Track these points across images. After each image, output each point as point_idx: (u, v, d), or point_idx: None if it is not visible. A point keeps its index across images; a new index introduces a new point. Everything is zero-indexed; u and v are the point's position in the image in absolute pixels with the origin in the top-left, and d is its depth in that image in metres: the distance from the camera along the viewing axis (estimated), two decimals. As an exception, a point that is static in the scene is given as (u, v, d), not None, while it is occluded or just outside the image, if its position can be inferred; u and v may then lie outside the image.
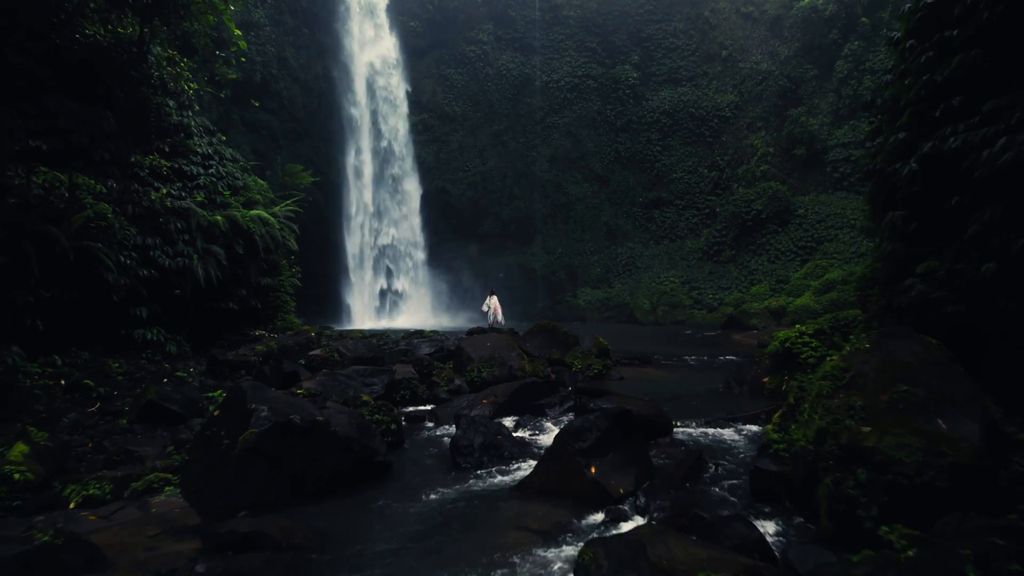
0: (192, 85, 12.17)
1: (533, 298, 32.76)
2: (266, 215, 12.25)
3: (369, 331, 19.14)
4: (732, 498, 4.52)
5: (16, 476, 4.34)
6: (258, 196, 13.08)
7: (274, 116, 28.23)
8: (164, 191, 10.61)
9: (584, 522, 4.21)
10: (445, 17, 34.57)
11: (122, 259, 9.12)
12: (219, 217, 11.18)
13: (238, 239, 11.55)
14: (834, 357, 4.53)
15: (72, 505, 4.33)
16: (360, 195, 31.08)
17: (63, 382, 7.32)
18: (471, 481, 5.22)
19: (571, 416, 7.74)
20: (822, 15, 29.59)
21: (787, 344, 8.51)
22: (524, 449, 6.06)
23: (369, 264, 30.69)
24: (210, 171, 12.21)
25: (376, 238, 31.22)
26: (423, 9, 34.31)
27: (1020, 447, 3.50)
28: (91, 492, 4.40)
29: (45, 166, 8.46)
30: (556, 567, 3.47)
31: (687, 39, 34.81)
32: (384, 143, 32.09)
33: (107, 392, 7.34)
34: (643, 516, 4.29)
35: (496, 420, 7.49)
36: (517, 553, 3.66)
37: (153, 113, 11.00)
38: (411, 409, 8.27)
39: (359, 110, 31.36)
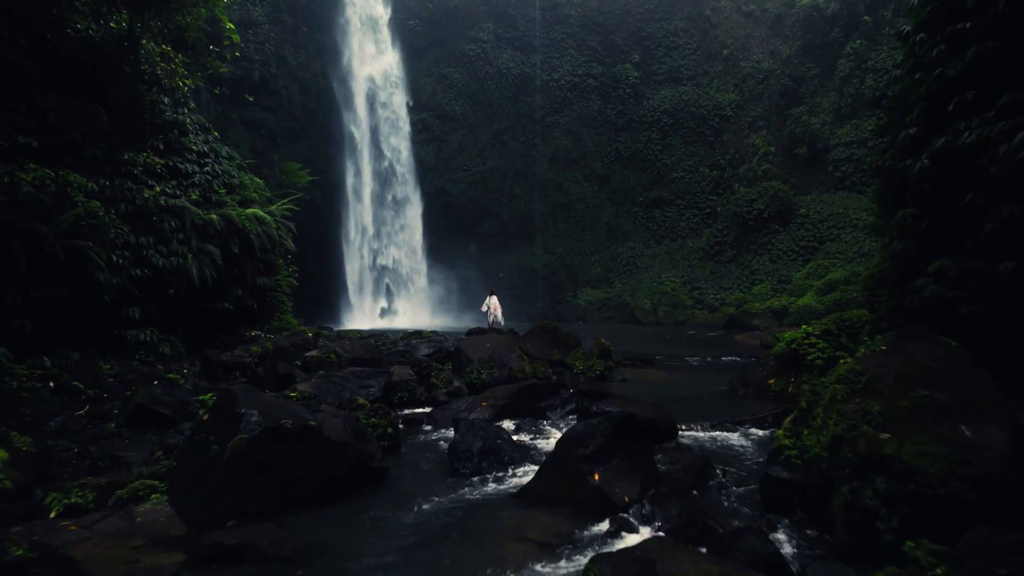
0: (187, 81, 11.98)
1: (533, 298, 32.57)
2: (262, 214, 12.06)
3: (368, 331, 18.95)
4: (742, 507, 4.33)
5: (-6, 484, 4.16)
6: (254, 195, 12.89)
7: (272, 115, 28.04)
8: (158, 189, 10.42)
9: (587, 532, 4.03)
10: (445, 16, 34.39)
11: (114, 258, 8.94)
12: (214, 216, 11.00)
13: (234, 238, 11.36)
14: (848, 360, 4.35)
15: (53, 514, 4.15)
16: (360, 194, 30.83)
17: (51, 384, 7.13)
18: (470, 488, 5.03)
19: (573, 419, 7.56)
20: (824, 13, 29.41)
21: (793, 345, 8.33)
22: (524, 454, 5.87)
23: (368, 264, 30.51)
24: (205, 169, 12.02)
25: (375, 257, 30.93)
26: (423, 8, 34.14)
27: (1050, 456, 3.31)
28: (73, 500, 4.22)
29: (35, 163, 8.27)
30: (559, 583, 3.29)
31: (688, 38, 34.63)
32: (385, 163, 31.76)
33: (97, 394, 7.15)
34: (649, 526, 4.11)
35: (496, 423, 7.30)
36: (517, 567, 3.48)
37: (147, 110, 10.81)
38: (409, 412, 8.08)
39: (360, 131, 30.97)
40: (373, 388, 7.84)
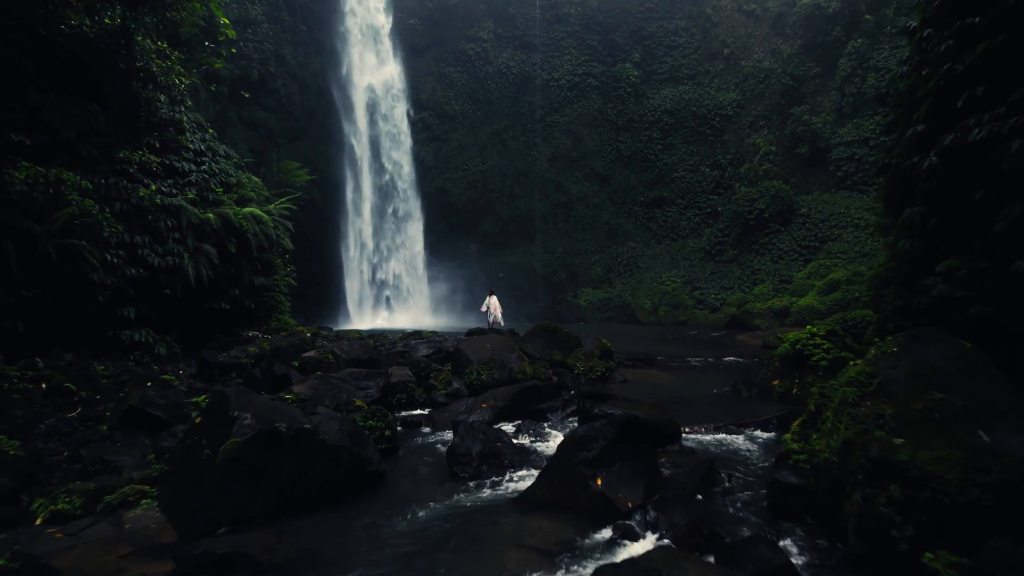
0: (184, 79, 11.85)
1: (534, 298, 32.45)
2: (260, 213, 11.93)
3: (367, 331, 18.83)
4: (749, 513, 4.20)
5: (-21, 489, 4.04)
6: (252, 193, 12.76)
7: (272, 114, 27.91)
8: (153, 187, 10.29)
9: (589, 540, 3.91)
10: (445, 15, 34.26)
11: (108, 258, 8.81)
12: (211, 215, 10.87)
13: (230, 237, 11.23)
14: (857, 362, 4.23)
15: (39, 521, 4.02)
16: (360, 209, 30.69)
17: (44, 386, 7.00)
18: (469, 492, 4.91)
19: (574, 421, 7.44)
20: (825, 12, 29.30)
21: (798, 346, 8.21)
22: (525, 457, 5.75)
23: (368, 266, 30.36)
24: (202, 167, 11.89)
25: (375, 272, 30.71)
26: (422, 6, 34.01)
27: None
28: (60, 506, 4.10)
29: (28, 161, 8.15)
30: (561, 594, 3.16)
31: (689, 37, 34.51)
32: (386, 177, 31.43)
33: (89, 396, 7.03)
34: (654, 533, 3.99)
35: (495, 426, 7.18)
36: (518, 576, 3.35)
37: (143, 108, 10.69)
38: (407, 413, 7.96)
39: (360, 144, 30.65)
40: (371, 389, 7.72)
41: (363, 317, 29.09)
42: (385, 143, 31.64)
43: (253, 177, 13.90)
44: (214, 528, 4.16)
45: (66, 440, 5.58)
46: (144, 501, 4.43)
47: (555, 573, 3.42)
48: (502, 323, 15.57)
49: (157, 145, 11.01)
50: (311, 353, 9.59)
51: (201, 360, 8.82)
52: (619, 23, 35.08)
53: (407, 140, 32.40)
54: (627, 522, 4.13)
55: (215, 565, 3.45)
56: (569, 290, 32.81)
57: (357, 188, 30.53)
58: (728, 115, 32.50)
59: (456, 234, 34.11)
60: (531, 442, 6.48)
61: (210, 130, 12.21)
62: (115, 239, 9.10)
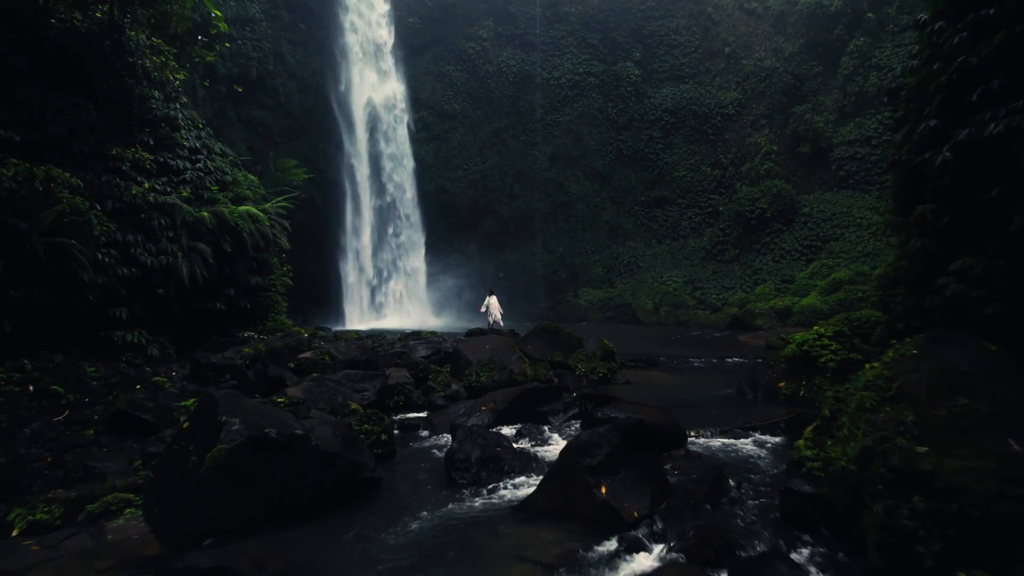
0: (179, 75, 11.66)
1: (534, 298, 32.26)
2: (256, 211, 11.73)
3: (366, 332, 18.65)
4: (760, 524, 4.02)
5: (-45, 498, 3.85)
6: (248, 192, 12.57)
7: (270, 113, 27.71)
8: (147, 185, 10.09)
9: (594, 552, 3.72)
10: (444, 13, 34.08)
11: (99, 256, 8.62)
12: (206, 213, 10.68)
13: (226, 236, 11.03)
14: (875, 364, 4.04)
15: (15, 532, 3.83)
16: (360, 232, 30.42)
17: (31, 388, 6.81)
18: (468, 500, 4.72)
19: (576, 424, 7.26)
20: (827, 11, 29.11)
21: (804, 347, 8.02)
22: (526, 462, 5.56)
23: (367, 266, 30.14)
24: (197, 165, 11.69)
25: (373, 271, 30.35)
26: (422, 5, 33.82)
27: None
28: (38, 517, 3.90)
29: (17, 158, 7.95)
30: (565, 612, 2.97)
31: (690, 36, 34.32)
32: (388, 199, 31.10)
33: (78, 399, 6.84)
34: (661, 545, 3.80)
35: (495, 429, 6.99)
36: (519, 593, 3.16)
37: (136, 104, 10.49)
38: (405, 416, 7.77)
39: (360, 163, 30.22)
40: (368, 392, 7.53)
41: (362, 317, 28.90)
42: (387, 165, 31.17)
43: (249, 175, 13.71)
44: (200, 539, 3.97)
45: (51, 445, 5.38)
46: (128, 510, 4.23)
47: (558, 589, 3.23)
48: (502, 323, 15.38)
49: (151, 142, 10.81)
50: (307, 354, 9.41)
51: (194, 361, 8.63)
52: (620, 22, 34.89)
53: (410, 162, 31.90)
54: (633, 533, 3.94)
55: (198, 581, 3.25)
56: (569, 290, 32.63)
57: (355, 188, 30.26)
58: (729, 114, 32.31)
59: (456, 234, 33.92)
60: (532, 446, 6.29)
61: (201, 125, 11.96)
62: (106, 238, 8.91)
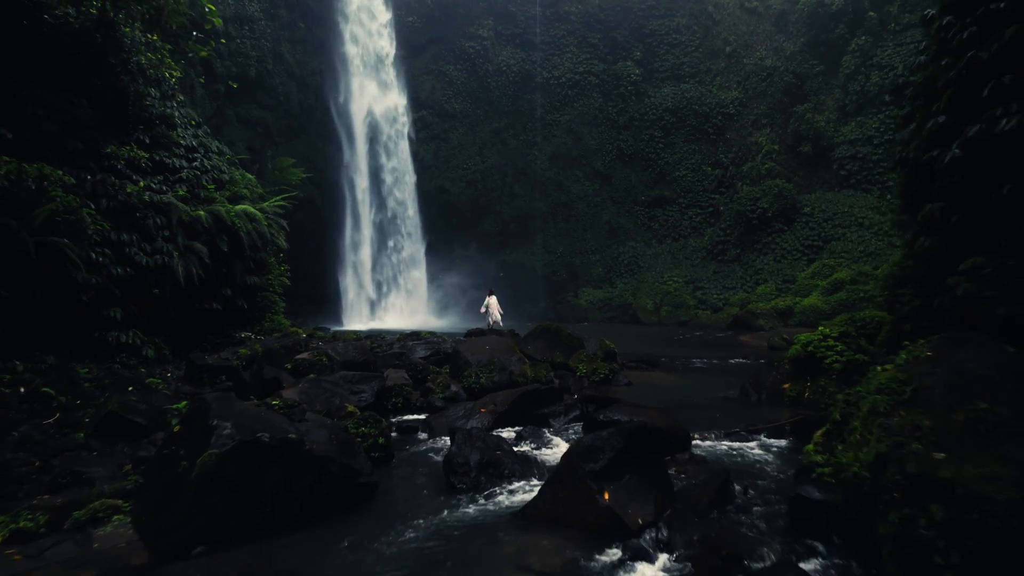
0: (175, 73, 11.52)
1: (534, 298, 32.14)
2: (253, 210, 11.60)
3: (365, 332, 18.53)
4: (769, 531, 3.89)
5: (-64, 505, 3.73)
6: (245, 191, 12.43)
7: (269, 112, 27.58)
8: (142, 184, 9.96)
9: (597, 561, 3.59)
10: (444, 12, 33.96)
11: (93, 256, 8.48)
12: (202, 212, 10.54)
13: (222, 235, 10.90)
14: (887, 367, 3.90)
15: (-2, 540, 3.70)
16: (357, 196, 30.25)
17: (22, 390, 6.68)
18: (466, 506, 4.59)
19: (577, 426, 7.13)
20: (828, 9, 29.00)
21: (809, 348, 7.89)
22: (527, 466, 5.42)
23: (367, 266, 29.97)
24: (194, 164, 11.56)
25: (373, 271, 30.09)
26: (421, 4, 33.71)
27: None
28: (22, 524, 3.77)
29: (8, 156, 7.82)
30: (567, 627, 2.84)
31: (690, 35, 34.19)
32: (389, 213, 30.74)
33: (69, 401, 6.70)
34: (666, 553, 3.67)
35: (495, 432, 6.87)
36: (519, 606, 3.03)
37: (131, 102, 10.35)
38: (403, 418, 7.64)
39: (360, 178, 29.79)
40: (365, 394, 7.40)
41: (361, 317, 28.77)
42: (388, 179, 30.85)
43: (247, 174, 13.57)
44: (190, 548, 3.84)
45: (39, 449, 5.25)
46: (116, 517, 4.10)
47: (560, 602, 3.10)
48: (500, 323, 15.24)
49: (147, 140, 10.68)
50: (304, 355, 9.28)
51: (190, 363, 8.50)
52: (620, 21, 34.77)
53: (411, 179, 31.56)
54: (637, 541, 3.81)
55: (185, 593, 3.12)
56: (570, 290, 32.50)
57: (357, 226, 29.96)
58: (730, 113, 32.18)
59: (456, 233, 33.80)
60: (532, 450, 6.16)
61: (195, 122, 11.78)
62: (100, 237, 8.78)
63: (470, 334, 12.87)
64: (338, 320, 27.88)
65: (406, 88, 32.45)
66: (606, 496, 4.15)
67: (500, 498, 4.74)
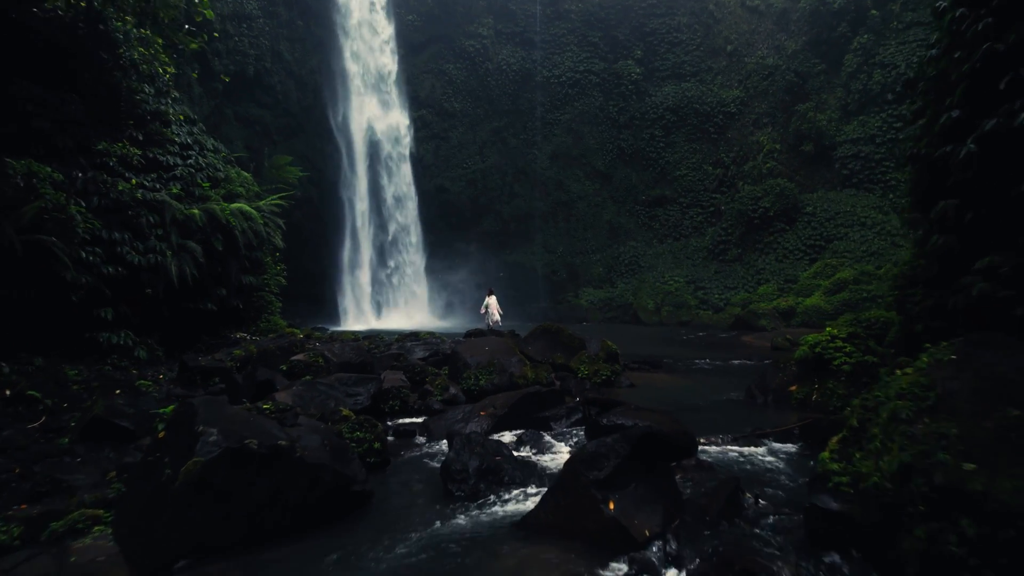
0: (169, 69, 11.32)
1: (534, 298, 31.95)
2: (248, 209, 11.40)
3: (364, 332, 18.33)
4: (783, 543, 3.69)
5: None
6: (241, 189, 12.23)
7: (268, 111, 27.40)
8: (134, 182, 9.75)
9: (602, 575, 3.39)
10: (444, 10, 33.75)
11: (83, 255, 8.28)
12: (196, 211, 10.34)
13: (217, 234, 10.70)
14: (908, 370, 3.71)
15: (-31, 554, 3.50)
16: (356, 194, 30.00)
17: (7, 393, 6.48)
18: (465, 515, 4.40)
19: (579, 430, 6.93)
20: (830, 8, 28.80)
21: (817, 349, 7.70)
22: (527, 472, 5.24)
23: (366, 265, 29.75)
24: (188, 162, 11.35)
25: (372, 271, 29.81)
26: (421, 2, 33.49)
27: None
28: (-4, 537, 3.58)
29: (-4, 152, 7.63)
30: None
31: (691, 33, 33.98)
32: (389, 238, 30.28)
33: (56, 404, 6.50)
34: (675, 568, 3.48)
35: (495, 435, 6.69)
36: (521, 628, 2.84)
37: (124, 98, 10.15)
38: (401, 422, 7.45)
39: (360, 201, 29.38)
40: (361, 396, 7.20)
41: (360, 317, 28.57)
42: (390, 201, 30.56)
43: (243, 172, 13.37)
44: (172, 561, 3.65)
45: (21, 455, 5.05)
46: (96, 528, 3.90)
47: (564, 622, 2.91)
48: (500, 323, 15.03)
49: (140, 138, 10.47)
50: (300, 356, 9.07)
51: (182, 364, 8.29)
52: (621, 20, 34.56)
53: (414, 208, 31.18)
54: (644, 554, 3.62)
55: (164, 612, 2.93)
56: (570, 290, 32.31)
57: (353, 186, 29.81)
58: (731, 112, 31.98)
59: (455, 233, 33.61)
60: (534, 455, 5.97)
61: (183, 118, 11.54)
62: (91, 235, 8.57)
63: (469, 335, 12.68)
64: (337, 320, 27.68)
65: (409, 106, 32.13)
66: (611, 506, 3.96)
67: (500, 507, 4.55)
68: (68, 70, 9.51)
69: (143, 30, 10.31)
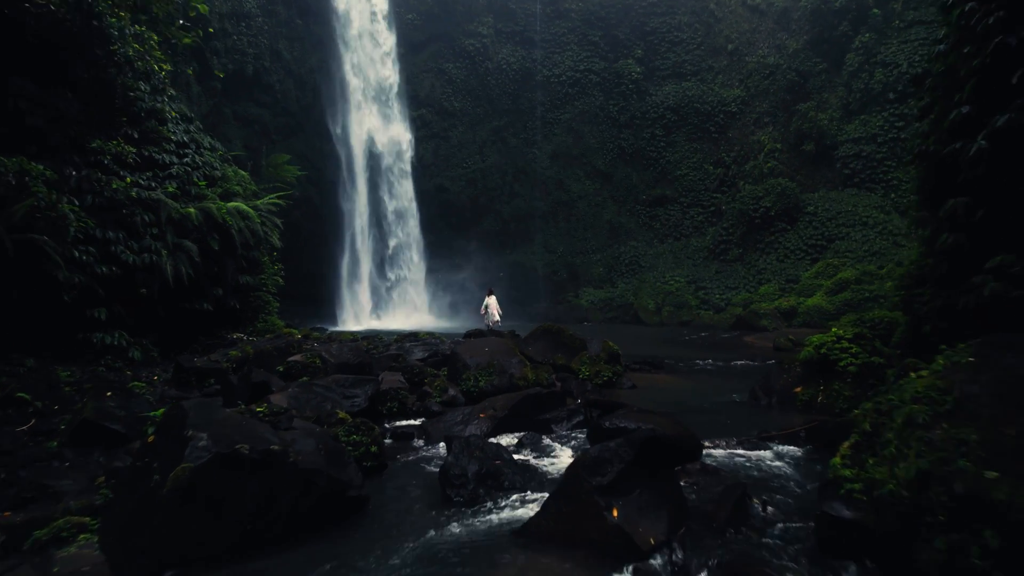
0: (165, 66, 11.18)
1: (534, 298, 31.82)
2: (245, 208, 11.27)
3: (362, 332, 18.20)
4: (793, 552, 3.56)
5: None
6: (237, 187, 12.10)
7: (266, 110, 27.25)
8: (128, 180, 9.62)
9: (607, 587, 3.26)
10: (444, 9, 33.63)
11: (76, 254, 8.15)
12: (192, 209, 10.21)
13: (213, 233, 10.56)
14: (923, 373, 3.58)
15: (-52, 564, 3.37)
16: (355, 192, 29.86)
17: (-3, 394, 6.34)
18: (463, 522, 4.26)
19: (580, 433, 6.80)
20: (831, 6, 28.69)
21: (823, 350, 7.57)
22: (528, 477, 5.10)
23: (365, 264, 29.62)
24: (185, 160, 11.22)
25: (371, 270, 29.57)
26: (421, 1, 33.37)
27: None
28: (-24, 546, 3.44)
29: (-12, 150, 7.50)
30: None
31: (692, 32, 33.87)
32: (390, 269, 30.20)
33: (46, 406, 6.37)
34: (683, 579, 3.34)
35: (495, 438, 6.55)
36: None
37: (119, 95, 10.01)
38: (399, 424, 7.32)
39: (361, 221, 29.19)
40: (358, 398, 7.07)
41: (359, 317, 28.45)
42: (391, 218, 30.42)
43: (240, 171, 13.23)
44: (160, 571, 3.52)
45: (7, 459, 4.91)
46: (82, 536, 3.77)
47: (567, 638, 2.77)
48: (500, 323, 14.89)
49: (135, 135, 10.34)
50: (297, 357, 8.94)
51: (177, 365, 8.16)
52: (621, 19, 34.45)
53: (417, 234, 31.09)
54: (650, 563, 3.50)
55: (148, 627, 2.80)
56: (570, 290, 32.18)
57: (352, 185, 29.66)
58: (732, 112, 31.86)
59: (455, 233, 33.48)
60: (534, 458, 5.84)
61: (174, 114, 11.37)
62: (84, 234, 8.44)
63: (469, 335, 12.55)
64: (336, 320, 27.56)
65: (411, 123, 31.90)
66: (615, 513, 3.82)
67: (499, 513, 4.42)
68: (61, 66, 9.37)
69: (138, 26, 10.17)
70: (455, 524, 4.21)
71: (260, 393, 6.98)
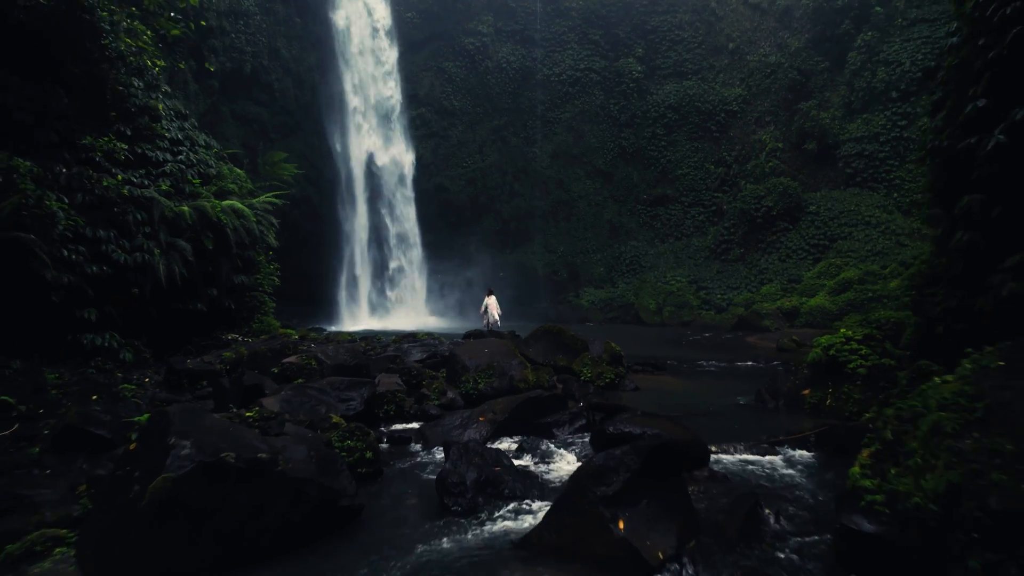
0: (158, 62, 10.99)
1: (534, 298, 31.60)
2: (241, 206, 11.06)
3: (360, 333, 17.99)
4: (810, 567, 3.36)
5: None
6: (233, 186, 11.90)
7: (265, 109, 27.02)
8: (120, 177, 9.42)
9: (613, 606, 3.06)
10: (443, 8, 33.42)
11: (65, 253, 7.95)
12: (186, 208, 10.01)
13: (207, 232, 10.36)
14: (948, 378, 3.38)
15: (-88, 582, 3.17)
16: (355, 194, 29.66)
17: (-21, 398, 6.14)
18: (462, 532, 4.07)
19: (583, 437, 6.60)
20: (834, 5, 28.48)
21: (832, 352, 7.36)
22: (528, 485, 4.90)
23: (364, 265, 29.42)
24: (179, 158, 11.02)
25: (370, 270, 29.30)
26: (421, 0, 33.17)
27: None
28: (-57, 562, 3.24)
29: (-26, 146, 7.30)
30: None
31: (693, 31, 33.67)
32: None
33: (31, 410, 6.16)
34: (694, 597, 3.14)
35: (494, 443, 6.36)
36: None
37: (111, 91, 9.81)
38: (395, 428, 7.13)
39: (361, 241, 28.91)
40: (354, 401, 6.87)
41: (358, 317, 28.24)
42: (392, 241, 30.13)
43: (235, 169, 13.03)
44: (139, 588, 3.31)
45: (-14, 466, 4.71)
46: (58, 550, 3.57)
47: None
48: (499, 323, 14.69)
49: (128, 132, 10.13)
50: (292, 359, 8.73)
51: (169, 367, 7.95)
52: (622, 17, 34.25)
53: (419, 256, 30.89)
54: (658, 579, 3.29)
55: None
56: (571, 290, 31.97)
57: (351, 184, 29.44)
58: (733, 111, 31.65)
59: (455, 232, 33.27)
60: (535, 464, 5.64)
61: (165, 110, 11.16)
62: (73, 233, 8.24)
63: (468, 336, 12.36)
64: (335, 320, 27.34)
65: (413, 145, 31.66)
66: (621, 525, 3.62)
67: (499, 523, 4.22)
68: (51, 61, 9.17)
69: (131, 21, 9.97)
70: (453, 535, 4.01)
71: (252, 396, 6.77)
